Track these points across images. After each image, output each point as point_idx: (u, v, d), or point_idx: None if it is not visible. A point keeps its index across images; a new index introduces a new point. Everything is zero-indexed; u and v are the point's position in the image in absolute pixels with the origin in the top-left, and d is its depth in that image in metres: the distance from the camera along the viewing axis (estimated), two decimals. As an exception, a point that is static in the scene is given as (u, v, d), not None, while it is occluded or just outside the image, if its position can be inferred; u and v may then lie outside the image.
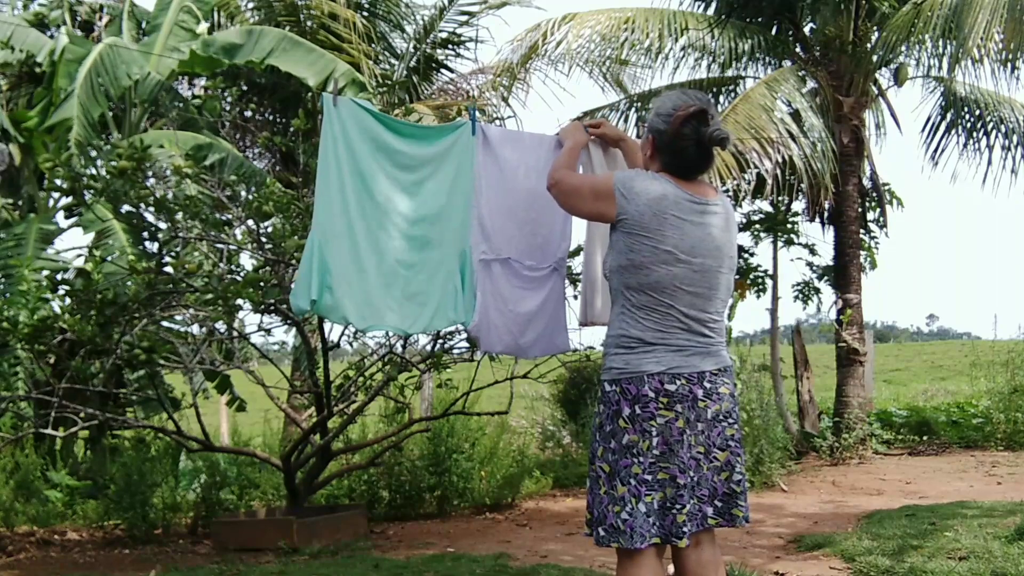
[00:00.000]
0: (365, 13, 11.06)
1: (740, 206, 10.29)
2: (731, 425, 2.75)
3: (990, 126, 9.79)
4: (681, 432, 2.66)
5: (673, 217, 2.70)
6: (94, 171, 5.73)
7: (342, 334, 6.24)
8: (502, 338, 3.51)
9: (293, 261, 5.35)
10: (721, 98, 10.39)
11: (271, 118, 11.22)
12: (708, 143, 2.76)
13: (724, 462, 2.75)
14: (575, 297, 4.38)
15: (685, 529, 2.68)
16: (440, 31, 11.75)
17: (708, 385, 2.70)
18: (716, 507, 2.77)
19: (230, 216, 5.94)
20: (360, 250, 3.36)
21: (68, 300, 5.66)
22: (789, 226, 10.41)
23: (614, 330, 2.78)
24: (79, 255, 8.13)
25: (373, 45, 10.88)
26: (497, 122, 11.13)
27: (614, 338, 2.76)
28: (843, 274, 9.57)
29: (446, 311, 3.44)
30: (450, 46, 12.01)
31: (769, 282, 10.48)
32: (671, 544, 2.71)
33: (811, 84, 9.78)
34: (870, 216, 10.57)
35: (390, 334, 6.20)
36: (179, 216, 5.53)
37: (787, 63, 9.99)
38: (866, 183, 10.11)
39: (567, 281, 3.84)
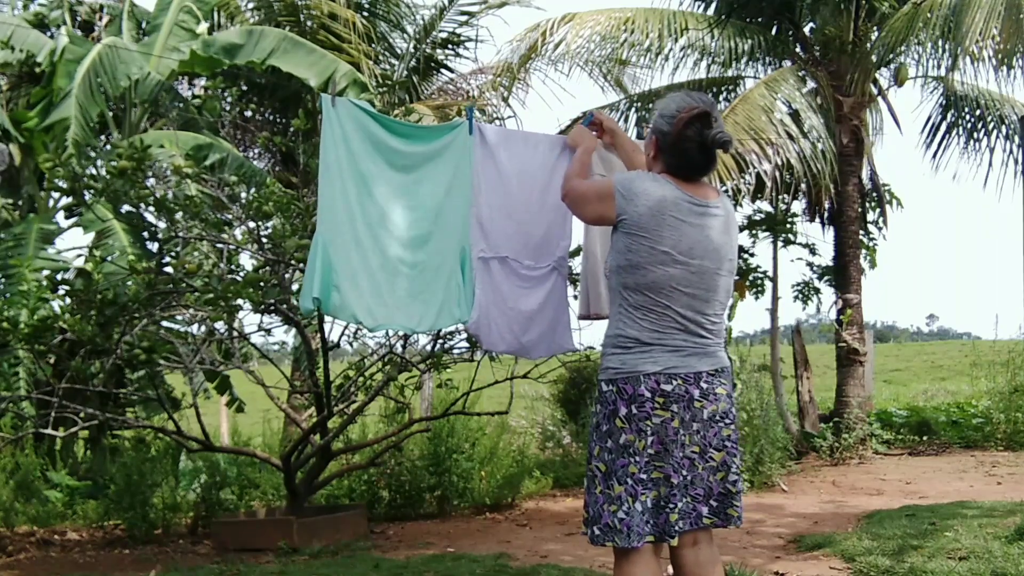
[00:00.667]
0: (365, 13, 11.06)
1: (740, 207, 10.30)
2: (728, 426, 2.76)
3: (991, 126, 9.78)
4: (676, 432, 2.67)
5: (672, 218, 2.71)
6: (93, 171, 5.73)
7: (342, 334, 6.25)
8: (504, 337, 3.52)
9: (293, 261, 5.36)
10: (721, 98, 10.39)
11: (271, 118, 11.23)
12: (711, 145, 2.76)
13: (720, 462, 2.75)
14: (575, 297, 4.39)
15: (677, 528, 2.70)
16: (440, 31, 11.76)
17: (704, 386, 2.71)
18: (711, 507, 2.78)
19: (230, 216, 5.94)
20: (365, 249, 3.38)
21: (68, 300, 5.67)
22: (789, 226, 10.42)
23: (611, 330, 2.80)
24: (79, 255, 8.14)
25: (373, 45, 10.88)
26: (497, 122, 11.14)
27: (611, 338, 2.78)
28: (843, 274, 9.57)
29: (451, 309, 3.46)
30: (450, 46, 12.01)
31: (768, 283, 10.48)
32: (663, 542, 2.73)
33: (811, 84, 9.78)
34: (870, 216, 10.58)
35: (390, 334, 6.21)
36: (179, 216, 5.53)
37: (787, 63, 10.00)
38: (866, 183, 10.11)
39: (567, 281, 3.84)
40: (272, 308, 5.78)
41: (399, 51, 11.78)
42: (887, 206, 10.55)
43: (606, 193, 2.81)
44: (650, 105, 10.11)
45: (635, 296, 2.73)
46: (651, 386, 2.66)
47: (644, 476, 2.65)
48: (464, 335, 6.16)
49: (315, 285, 3.25)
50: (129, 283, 5.50)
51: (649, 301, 2.71)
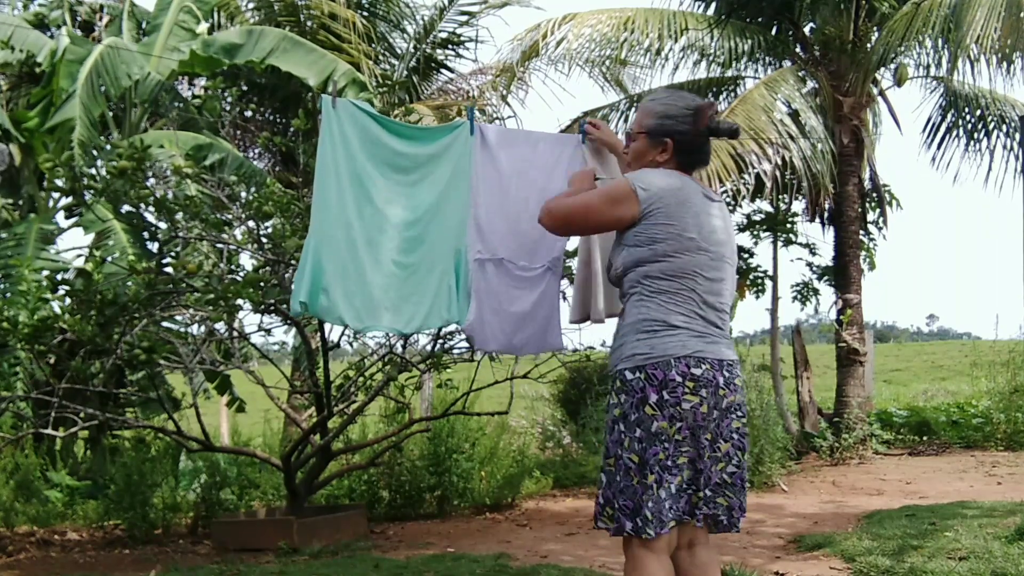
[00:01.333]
0: (365, 13, 11.06)
1: (740, 207, 10.31)
2: (739, 418, 2.73)
3: (991, 125, 9.78)
4: (704, 417, 2.63)
5: (694, 205, 2.71)
6: (95, 171, 5.74)
7: (342, 334, 6.24)
8: (496, 336, 3.54)
9: (293, 261, 5.36)
10: (721, 98, 10.39)
11: (271, 118, 11.23)
12: (721, 135, 2.81)
13: (724, 453, 2.71)
14: (564, 296, 4.38)
15: (699, 511, 2.67)
16: (440, 31, 11.76)
17: (727, 374, 2.68)
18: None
19: (230, 216, 5.94)
20: (358, 251, 3.37)
21: (68, 300, 5.66)
22: (789, 226, 10.42)
23: (631, 317, 2.71)
24: (79, 255, 8.14)
25: (373, 45, 10.88)
26: (497, 122, 11.13)
27: (633, 324, 2.70)
28: (843, 274, 9.57)
29: (440, 310, 3.46)
30: (450, 46, 12.01)
31: (768, 283, 10.49)
32: (683, 522, 2.69)
33: (811, 84, 9.78)
34: (870, 217, 10.58)
35: (390, 334, 6.20)
36: (179, 216, 5.53)
37: (787, 63, 10.00)
38: (866, 184, 10.11)
39: (561, 280, 3.84)
40: (272, 308, 5.78)
41: (399, 51, 11.79)
42: (887, 206, 10.55)
43: (622, 194, 2.73)
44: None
45: (658, 283, 2.68)
46: (681, 370, 2.61)
47: (670, 463, 2.61)
48: (464, 335, 6.16)
49: (304, 287, 3.25)
50: (129, 283, 5.50)
51: (673, 286, 2.67)
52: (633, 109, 10.55)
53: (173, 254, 5.88)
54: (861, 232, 10.01)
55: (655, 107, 2.86)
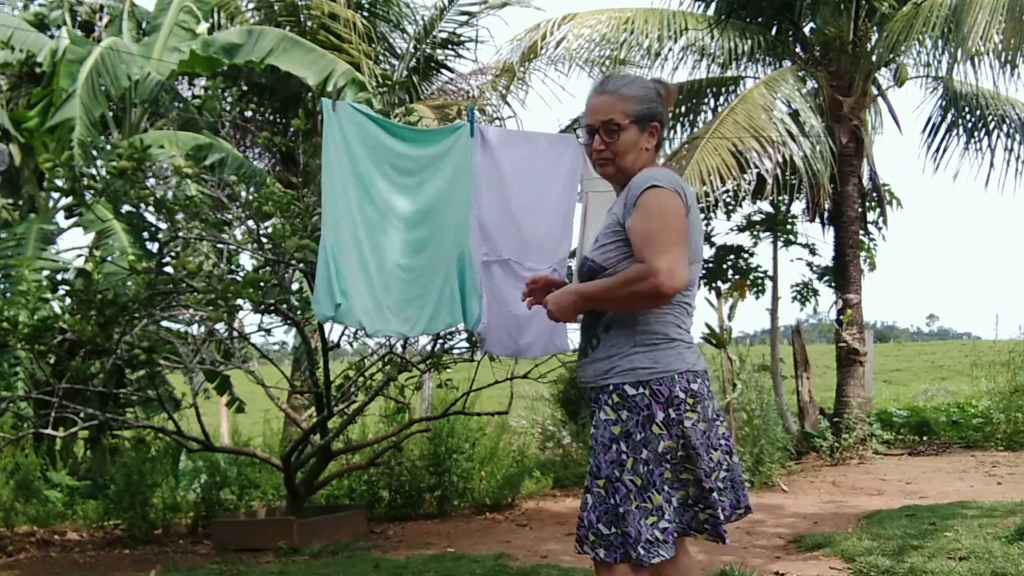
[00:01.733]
0: (365, 13, 11.07)
1: (740, 206, 10.30)
2: (722, 423, 2.63)
3: (991, 126, 9.79)
4: (704, 434, 2.51)
5: (695, 207, 2.56)
6: (95, 171, 5.74)
7: (342, 334, 6.24)
8: (502, 340, 3.56)
9: (293, 261, 5.36)
10: (721, 99, 10.39)
11: (271, 118, 11.23)
12: None
13: (716, 462, 2.65)
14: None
15: (707, 526, 2.56)
16: (440, 31, 11.77)
17: (707, 382, 2.59)
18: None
19: (230, 216, 5.94)
20: (364, 254, 3.39)
21: (68, 300, 5.67)
22: (789, 226, 10.41)
23: (628, 328, 2.52)
24: (79, 255, 8.14)
25: (373, 45, 10.89)
26: (497, 122, 11.14)
27: (630, 336, 2.51)
28: (843, 274, 9.57)
29: (443, 314, 3.47)
30: (450, 46, 12.02)
31: (768, 283, 10.48)
32: (689, 536, 2.60)
33: (811, 84, 9.78)
34: (870, 217, 10.58)
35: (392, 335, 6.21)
36: (179, 216, 5.53)
37: (787, 63, 10.00)
38: (866, 183, 10.11)
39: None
40: (272, 308, 5.78)
41: (399, 51, 11.79)
42: (887, 206, 10.55)
43: (672, 198, 2.44)
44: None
45: None
46: (684, 386, 2.47)
47: (672, 477, 2.51)
48: (464, 334, 6.16)
49: (335, 292, 3.25)
50: (129, 283, 5.50)
51: (675, 297, 2.48)
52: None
53: (173, 254, 5.89)
54: (861, 232, 10.01)
55: (633, 92, 2.63)
